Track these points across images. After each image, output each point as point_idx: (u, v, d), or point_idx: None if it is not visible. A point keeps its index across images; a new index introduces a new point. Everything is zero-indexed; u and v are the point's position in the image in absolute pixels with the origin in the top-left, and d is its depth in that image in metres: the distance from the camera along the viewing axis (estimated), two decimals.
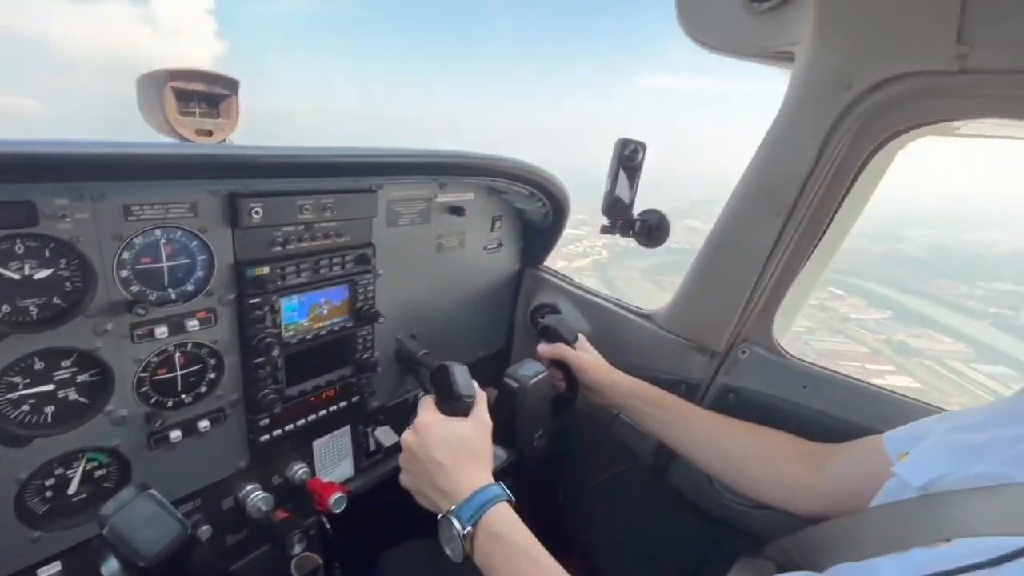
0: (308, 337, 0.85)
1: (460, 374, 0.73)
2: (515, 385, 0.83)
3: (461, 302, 1.18)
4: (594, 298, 1.21)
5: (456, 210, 1.04)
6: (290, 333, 0.82)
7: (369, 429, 1.04)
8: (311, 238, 0.80)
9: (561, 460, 1.09)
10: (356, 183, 0.84)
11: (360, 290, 0.90)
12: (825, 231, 0.91)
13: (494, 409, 0.86)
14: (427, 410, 0.73)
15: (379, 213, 0.90)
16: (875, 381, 0.92)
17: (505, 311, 1.33)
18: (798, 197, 0.87)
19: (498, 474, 0.82)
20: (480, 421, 0.73)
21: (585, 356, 0.96)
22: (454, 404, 0.72)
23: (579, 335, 0.99)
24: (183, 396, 0.74)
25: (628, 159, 1.00)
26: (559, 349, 0.96)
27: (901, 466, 0.63)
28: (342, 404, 0.94)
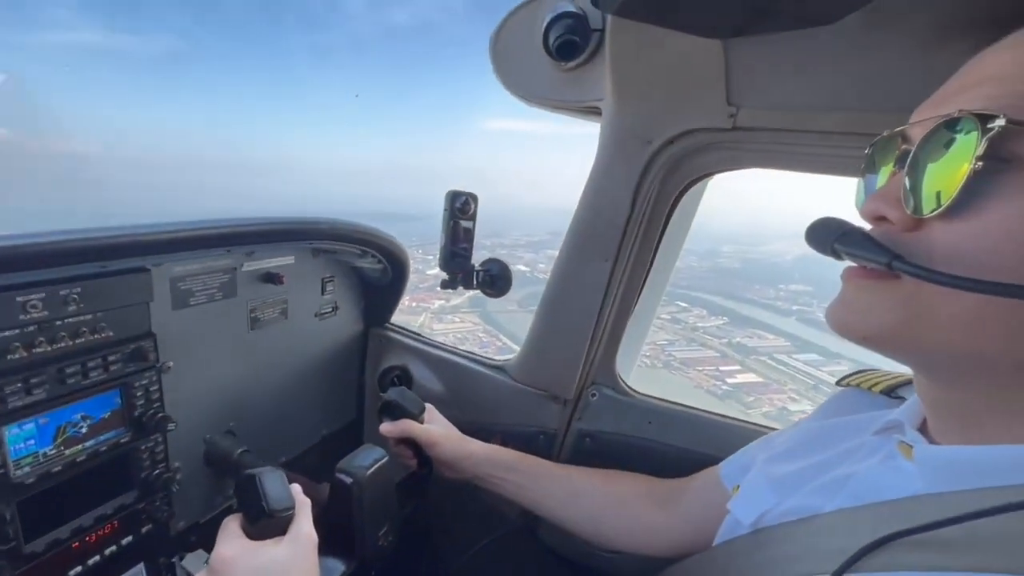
0: (57, 469, 0.64)
1: (271, 483, 0.60)
2: (349, 480, 0.71)
3: (293, 379, 1.02)
4: (445, 354, 1.14)
5: (272, 278, 0.91)
6: (24, 470, 0.61)
7: (175, 559, 0.83)
8: (50, 341, 0.61)
9: (425, 539, 0.98)
10: (116, 263, 0.67)
11: (138, 393, 0.71)
12: (649, 270, 0.96)
13: (327, 511, 0.73)
14: (227, 539, 0.58)
15: (158, 296, 0.73)
16: (713, 408, 0.98)
17: (352, 378, 1.20)
18: (621, 242, 0.91)
19: None
20: (300, 538, 0.60)
21: (434, 430, 0.88)
22: (265, 523, 0.59)
23: (426, 406, 0.91)
24: None
25: (460, 211, 0.96)
26: (404, 426, 0.86)
27: (733, 503, 0.64)
28: (126, 541, 0.73)
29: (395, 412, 0.87)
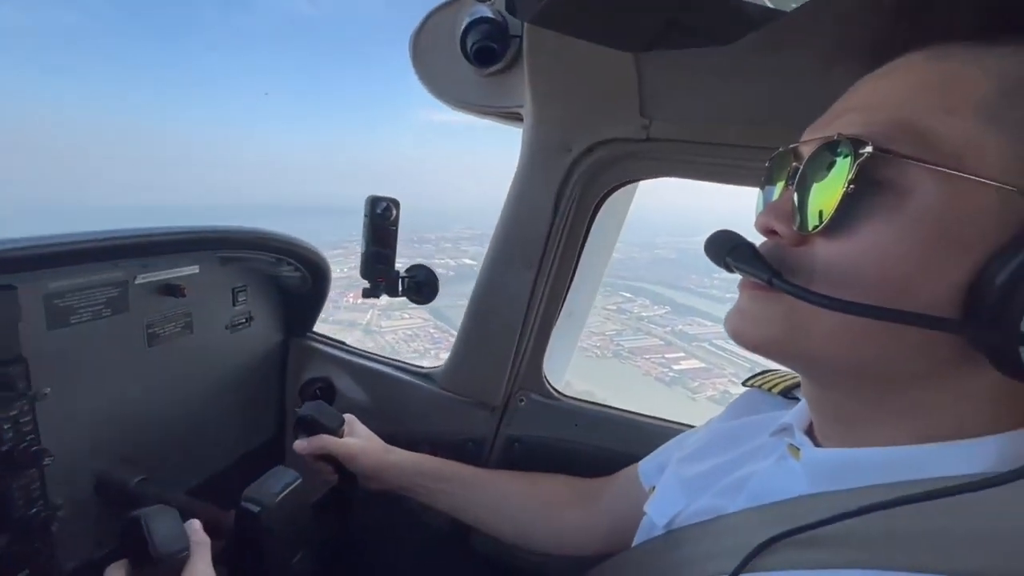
0: None
1: (160, 525, 0.55)
2: (256, 509, 0.67)
3: (203, 396, 0.96)
4: (370, 363, 1.11)
5: (171, 290, 0.84)
6: None
7: None
8: None
9: (353, 552, 0.95)
10: None
11: (5, 426, 0.63)
12: (573, 276, 0.97)
13: (235, 542, 0.69)
14: None
15: (28, 316, 0.66)
16: (637, 408, 1.01)
17: (271, 392, 1.14)
18: (544, 249, 0.91)
19: None
20: None
21: (353, 443, 0.85)
22: (155, 571, 0.54)
23: (346, 418, 0.88)
24: None
25: (381, 217, 0.93)
26: (319, 442, 0.83)
27: (649, 504, 0.66)
28: None
29: (311, 428, 0.83)
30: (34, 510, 0.68)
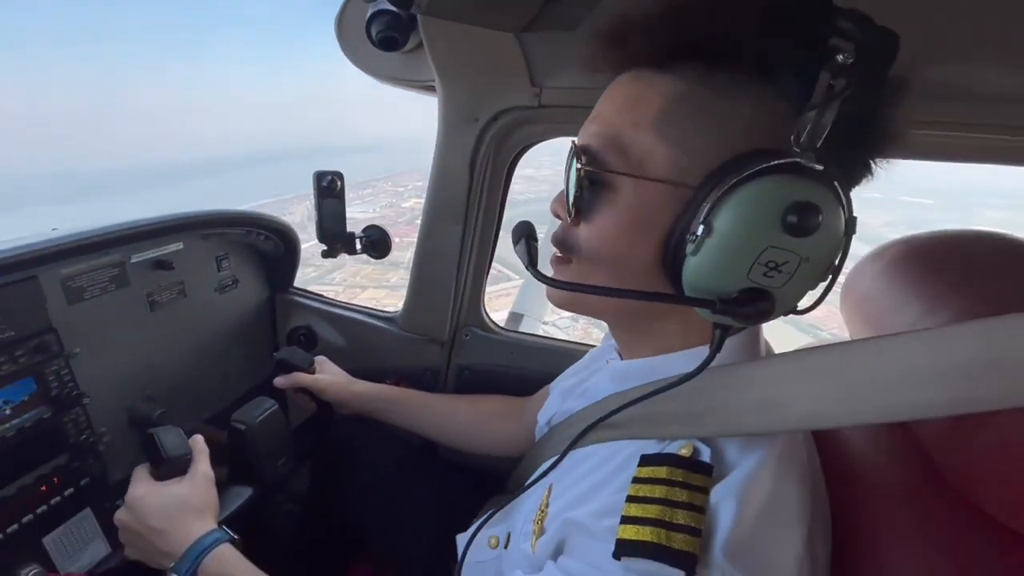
0: None
1: (168, 437, 0.77)
2: (242, 427, 0.89)
3: (204, 346, 1.17)
4: (343, 311, 1.30)
5: (162, 264, 1.03)
6: None
7: (118, 502, 1.01)
8: None
9: (336, 467, 1.19)
10: (3, 278, 0.79)
11: (51, 378, 0.85)
12: (498, 229, 1.12)
13: (229, 452, 0.92)
14: (138, 482, 0.76)
15: (51, 296, 0.85)
16: (556, 335, 1.19)
17: (266, 339, 1.36)
18: (467, 207, 1.06)
19: (248, 508, 0.90)
20: (198, 475, 0.78)
21: (322, 377, 1.06)
22: (167, 468, 0.77)
23: (316, 359, 1.08)
24: None
25: (328, 190, 1.08)
26: (294, 378, 1.04)
27: (540, 412, 0.86)
28: (67, 492, 0.90)
29: (287, 367, 1.04)
30: (84, 436, 0.92)
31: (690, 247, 0.44)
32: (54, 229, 0.90)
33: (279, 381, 1.04)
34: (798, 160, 0.41)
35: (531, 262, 0.54)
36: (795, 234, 0.40)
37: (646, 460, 0.50)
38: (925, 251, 0.63)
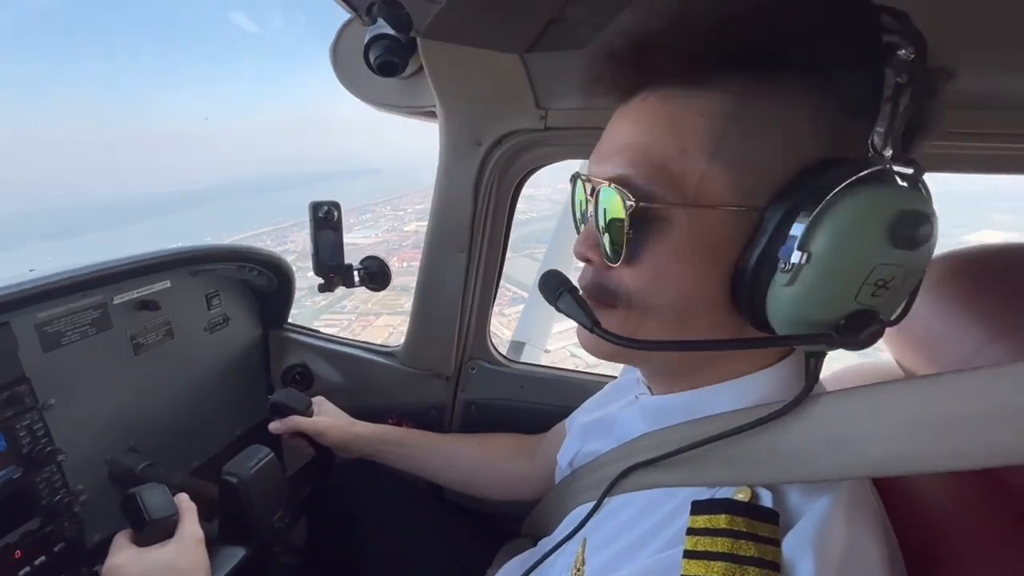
0: None
1: (150, 497, 0.70)
2: (234, 480, 0.82)
3: (193, 390, 1.10)
4: (341, 347, 1.24)
5: (148, 305, 0.96)
6: None
7: (96, 568, 0.92)
8: None
9: (339, 513, 1.11)
10: None
11: (22, 434, 0.78)
12: (503, 256, 1.08)
13: (220, 507, 0.84)
14: (116, 551, 0.68)
15: (24, 344, 0.79)
16: (568, 367, 1.13)
17: (259, 379, 1.28)
18: (471, 235, 1.01)
19: (243, 570, 0.82)
20: (184, 537, 0.70)
21: (321, 420, 0.99)
22: (150, 531, 0.69)
23: (313, 400, 1.01)
24: None
25: (325, 220, 1.03)
26: (290, 423, 0.97)
27: (560, 452, 0.79)
28: (39, 561, 0.82)
29: (282, 411, 0.97)
30: (58, 497, 0.83)
31: (782, 276, 0.39)
32: (31, 270, 0.83)
33: (275, 426, 0.97)
34: (889, 166, 0.37)
35: (595, 322, 0.46)
36: (906, 247, 0.36)
37: (699, 508, 0.44)
38: (973, 268, 0.59)
